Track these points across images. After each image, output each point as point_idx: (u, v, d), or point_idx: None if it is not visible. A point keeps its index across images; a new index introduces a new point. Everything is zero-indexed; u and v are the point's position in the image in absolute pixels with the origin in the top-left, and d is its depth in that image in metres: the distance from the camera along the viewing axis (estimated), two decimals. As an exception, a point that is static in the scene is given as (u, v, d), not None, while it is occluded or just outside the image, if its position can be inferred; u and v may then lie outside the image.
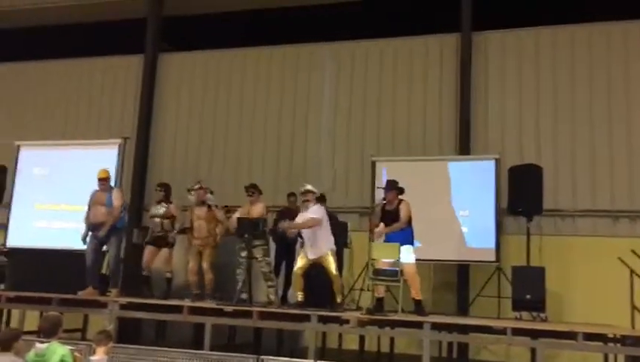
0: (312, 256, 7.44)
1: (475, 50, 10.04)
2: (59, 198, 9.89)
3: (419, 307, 7.17)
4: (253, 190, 8.17)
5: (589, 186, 9.28)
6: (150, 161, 11.26)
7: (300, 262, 7.53)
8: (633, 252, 7.82)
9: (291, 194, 8.97)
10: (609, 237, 8.93)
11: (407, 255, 7.17)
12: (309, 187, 7.68)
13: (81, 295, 7.82)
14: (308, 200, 7.56)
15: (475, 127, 9.81)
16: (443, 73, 10.22)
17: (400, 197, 7.34)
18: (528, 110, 9.75)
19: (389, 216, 7.30)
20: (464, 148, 9.69)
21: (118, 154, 9.72)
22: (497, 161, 9.08)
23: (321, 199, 8.27)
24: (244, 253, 7.77)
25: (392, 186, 7.36)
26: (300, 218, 7.60)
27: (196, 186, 8.32)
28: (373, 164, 9.51)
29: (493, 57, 10.08)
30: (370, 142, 10.27)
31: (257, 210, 7.99)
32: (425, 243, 8.56)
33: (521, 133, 9.71)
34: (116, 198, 8.24)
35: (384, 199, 7.36)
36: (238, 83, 11.25)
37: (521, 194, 8.48)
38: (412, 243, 7.27)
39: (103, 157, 9.48)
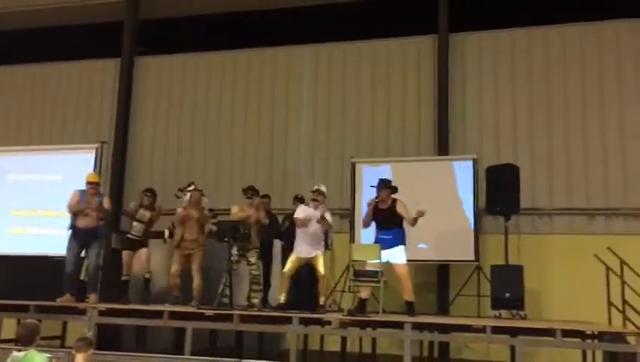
0: (306, 255, 7.44)
1: (452, 52, 10.13)
2: (35, 204, 9.75)
3: (411, 308, 7.19)
4: (252, 192, 8.12)
5: (565, 185, 9.41)
6: (128, 165, 11.16)
7: (289, 265, 7.52)
8: (609, 249, 7.92)
9: (265, 196, 8.95)
10: (585, 234, 9.06)
11: (401, 256, 7.20)
12: (323, 188, 7.71)
13: (60, 302, 7.72)
14: (318, 201, 7.55)
15: (453, 128, 9.89)
16: (421, 74, 10.30)
17: (393, 196, 7.34)
18: (505, 110, 9.86)
19: (383, 214, 7.30)
20: (442, 148, 9.77)
21: (95, 158, 9.62)
22: (475, 161, 9.15)
23: (301, 200, 8.28)
24: (235, 258, 7.70)
25: (385, 185, 7.36)
26: (303, 213, 7.61)
27: (191, 187, 8.31)
28: (353, 165, 9.53)
29: (470, 58, 10.18)
30: (349, 144, 10.29)
31: (261, 213, 8.00)
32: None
33: (499, 134, 9.81)
34: (107, 203, 8.21)
35: (377, 198, 7.35)
36: (216, 86, 11.21)
37: (499, 193, 8.53)
38: (405, 244, 7.29)
39: (79, 162, 9.40)
